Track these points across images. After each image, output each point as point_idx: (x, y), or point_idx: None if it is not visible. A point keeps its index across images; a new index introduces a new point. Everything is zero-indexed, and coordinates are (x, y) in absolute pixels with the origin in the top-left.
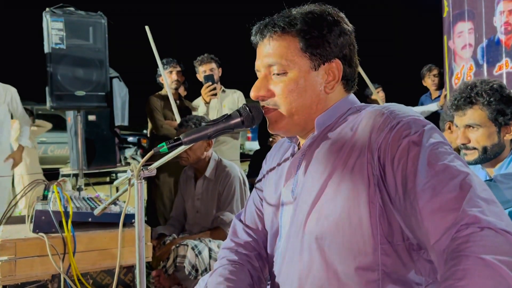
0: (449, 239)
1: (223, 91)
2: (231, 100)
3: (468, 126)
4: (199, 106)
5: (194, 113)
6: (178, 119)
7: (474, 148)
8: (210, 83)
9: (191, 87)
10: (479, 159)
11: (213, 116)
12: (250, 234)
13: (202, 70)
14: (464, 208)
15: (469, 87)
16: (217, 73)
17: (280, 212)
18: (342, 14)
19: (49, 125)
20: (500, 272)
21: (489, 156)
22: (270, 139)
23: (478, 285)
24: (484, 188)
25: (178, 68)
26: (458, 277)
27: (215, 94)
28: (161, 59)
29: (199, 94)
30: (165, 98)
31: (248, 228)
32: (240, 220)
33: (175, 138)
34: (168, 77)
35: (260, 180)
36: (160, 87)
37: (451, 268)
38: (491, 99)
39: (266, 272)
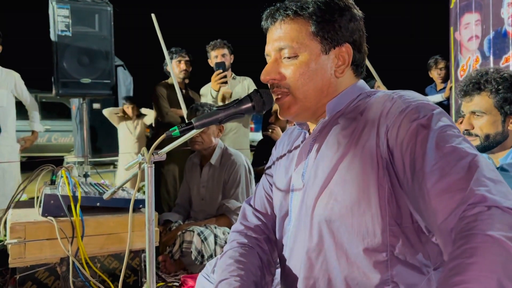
0: (457, 218)
1: (234, 77)
2: (241, 87)
3: (473, 113)
4: (210, 93)
5: (203, 100)
6: (183, 108)
7: (476, 135)
8: (221, 70)
9: (199, 74)
10: (481, 146)
11: (221, 101)
12: (260, 218)
13: (214, 55)
14: (472, 188)
15: (479, 74)
16: (229, 59)
17: (290, 197)
18: (351, 0)
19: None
20: (507, 248)
21: (491, 144)
22: (270, 130)
23: (487, 262)
24: (491, 168)
25: (187, 58)
26: (467, 255)
27: (225, 82)
28: (167, 47)
29: (205, 81)
30: (171, 87)
31: (257, 212)
32: (250, 205)
33: (187, 122)
34: (176, 66)
35: (269, 166)
36: (167, 75)
37: (460, 247)
38: (500, 87)
39: (276, 255)
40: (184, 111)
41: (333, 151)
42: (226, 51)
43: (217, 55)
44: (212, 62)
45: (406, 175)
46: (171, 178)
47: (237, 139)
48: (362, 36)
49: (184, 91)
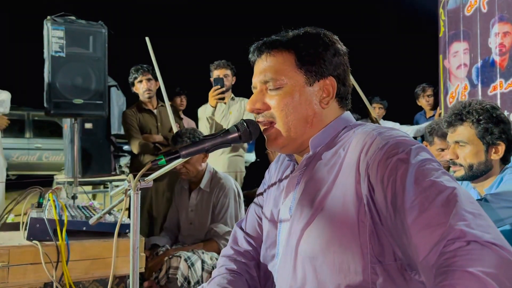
0: (437, 254)
1: (232, 98)
2: (238, 108)
3: (457, 142)
4: (206, 109)
5: (200, 122)
6: (174, 129)
7: (461, 165)
8: (219, 86)
9: (194, 96)
10: (466, 176)
11: (218, 120)
12: (251, 242)
13: (216, 75)
14: (450, 223)
15: (462, 105)
16: (231, 80)
17: (278, 230)
18: (336, 37)
19: None
20: (486, 284)
21: (475, 174)
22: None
23: None
24: (471, 201)
25: (149, 76)
26: None
27: (223, 99)
28: (160, 69)
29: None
30: (142, 109)
31: (249, 237)
32: (241, 228)
33: (173, 151)
34: (140, 87)
35: (261, 193)
36: (136, 96)
37: (438, 284)
38: (480, 117)
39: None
40: (175, 129)
41: (317, 188)
42: (228, 72)
43: (219, 74)
44: (212, 81)
45: (388, 211)
46: (156, 202)
47: (233, 161)
48: (346, 71)
49: (156, 110)
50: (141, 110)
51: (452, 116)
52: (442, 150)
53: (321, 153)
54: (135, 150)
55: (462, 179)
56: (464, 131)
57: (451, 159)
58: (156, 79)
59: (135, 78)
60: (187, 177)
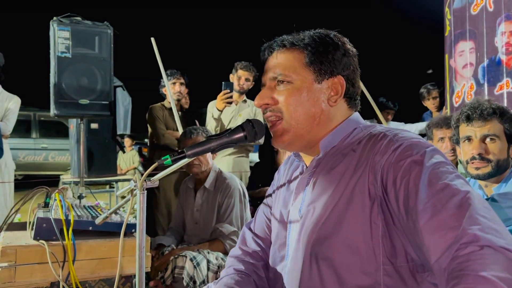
0: (450, 258)
1: (244, 101)
2: (248, 111)
3: (487, 136)
4: (214, 109)
5: (208, 116)
6: (180, 129)
7: (489, 161)
8: (228, 90)
9: (199, 96)
10: (492, 172)
11: (226, 122)
12: (259, 243)
13: (238, 75)
14: (464, 227)
15: (486, 102)
16: (250, 85)
17: (288, 231)
18: (346, 39)
19: None
20: None
21: (499, 171)
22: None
23: None
24: (485, 205)
25: (182, 80)
26: None
27: (230, 103)
28: (165, 70)
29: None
30: (168, 108)
31: (257, 237)
32: (250, 229)
33: (179, 151)
34: (171, 88)
35: (270, 194)
36: (163, 97)
37: None
38: (507, 115)
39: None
40: (180, 129)
41: (327, 190)
42: (251, 76)
43: (241, 76)
44: (232, 77)
45: (400, 212)
46: (166, 201)
47: (237, 162)
48: (355, 71)
49: (180, 113)
50: (166, 109)
51: (487, 109)
52: (442, 139)
53: (331, 154)
54: (160, 141)
55: (489, 176)
56: (495, 126)
57: (479, 154)
58: (187, 85)
59: (170, 79)
60: (198, 170)
